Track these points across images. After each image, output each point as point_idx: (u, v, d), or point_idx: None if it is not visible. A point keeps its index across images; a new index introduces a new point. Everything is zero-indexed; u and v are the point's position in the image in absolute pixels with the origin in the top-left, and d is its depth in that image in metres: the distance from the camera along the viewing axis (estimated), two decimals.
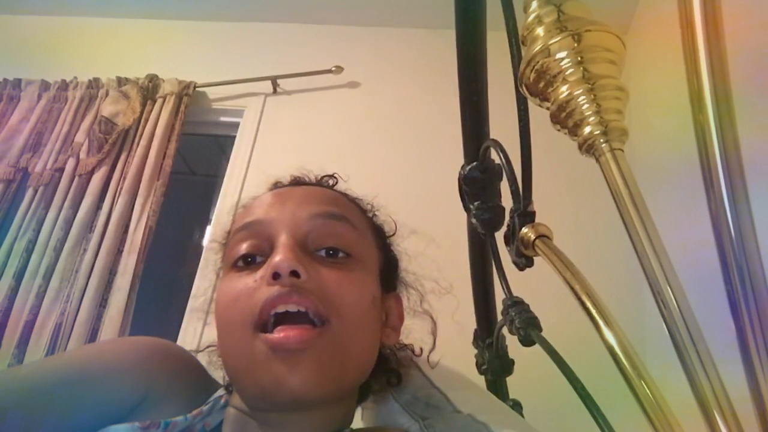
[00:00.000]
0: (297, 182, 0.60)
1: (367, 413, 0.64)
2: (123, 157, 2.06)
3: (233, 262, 0.51)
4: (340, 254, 0.49)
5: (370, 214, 0.61)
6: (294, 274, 0.45)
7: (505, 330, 0.70)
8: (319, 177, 0.63)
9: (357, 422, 0.58)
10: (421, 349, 0.62)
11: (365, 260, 0.52)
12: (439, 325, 0.63)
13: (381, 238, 0.58)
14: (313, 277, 0.46)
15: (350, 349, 0.47)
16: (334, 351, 0.45)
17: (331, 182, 0.63)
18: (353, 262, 0.50)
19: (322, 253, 0.49)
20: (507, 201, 0.60)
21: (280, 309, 0.45)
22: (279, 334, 0.44)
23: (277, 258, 0.46)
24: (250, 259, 0.50)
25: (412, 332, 0.62)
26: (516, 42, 0.50)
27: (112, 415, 0.48)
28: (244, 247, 0.50)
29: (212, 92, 2.26)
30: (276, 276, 0.45)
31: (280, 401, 0.45)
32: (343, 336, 0.46)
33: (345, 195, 0.59)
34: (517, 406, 0.82)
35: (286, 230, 0.49)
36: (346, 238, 0.50)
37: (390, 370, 0.58)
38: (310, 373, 0.43)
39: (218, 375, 0.59)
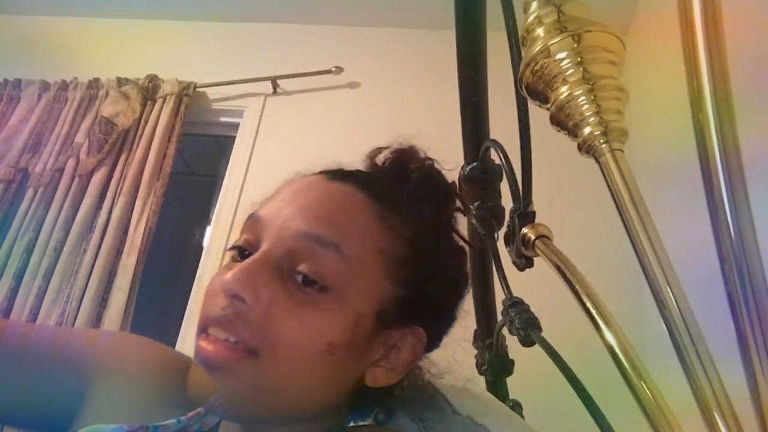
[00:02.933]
0: (329, 172, 0.51)
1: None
2: (123, 157, 2.06)
3: (230, 248, 0.49)
4: (316, 285, 0.43)
5: (416, 234, 0.49)
6: (239, 297, 0.42)
7: (505, 330, 0.70)
8: (382, 158, 0.55)
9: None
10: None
11: (347, 297, 0.44)
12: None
13: (407, 269, 0.48)
14: (263, 304, 0.42)
15: (280, 386, 0.43)
16: (256, 383, 0.43)
17: (379, 159, 0.55)
18: (326, 299, 0.43)
19: (299, 278, 0.43)
20: (507, 201, 0.60)
21: (211, 332, 0.43)
22: (202, 343, 0.42)
23: (230, 275, 0.42)
24: (243, 251, 0.47)
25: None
26: (516, 42, 0.50)
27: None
28: (240, 240, 0.48)
29: (212, 92, 2.26)
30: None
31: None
32: (272, 373, 0.42)
33: (381, 202, 0.48)
34: (517, 407, 0.82)
35: (268, 241, 0.44)
36: (328, 269, 0.43)
37: (379, 405, 0.54)
38: (231, 394, 0.43)
39: None
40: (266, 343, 0.42)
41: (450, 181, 0.58)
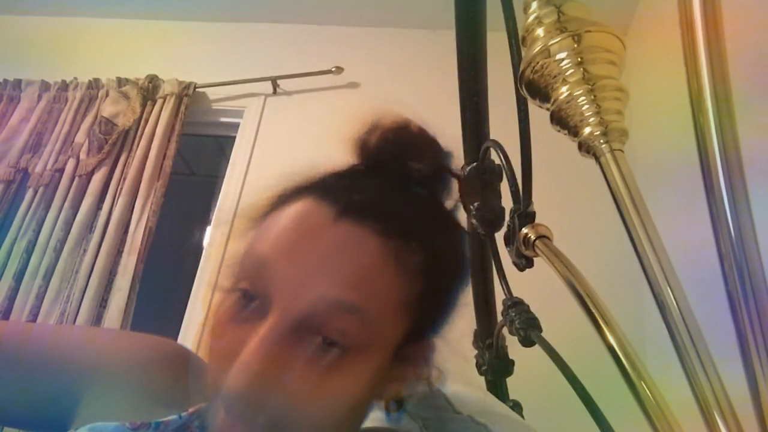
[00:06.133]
0: (331, 201, 0.44)
1: None
2: (123, 157, 2.06)
3: (231, 287, 0.45)
4: (336, 347, 0.41)
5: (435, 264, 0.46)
6: (262, 376, 0.40)
7: (505, 330, 0.70)
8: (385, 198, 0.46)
9: None
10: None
11: (368, 353, 0.43)
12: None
13: (424, 300, 0.46)
14: (286, 381, 0.40)
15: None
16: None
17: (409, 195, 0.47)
18: (347, 359, 0.42)
19: (319, 339, 0.41)
20: (507, 201, 0.60)
21: (236, 409, 0.41)
22: (228, 422, 0.41)
23: (249, 352, 0.39)
24: (249, 296, 0.43)
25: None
26: (516, 42, 0.50)
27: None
28: (243, 283, 0.44)
29: (212, 93, 2.26)
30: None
31: None
32: (299, 430, 0.42)
33: (394, 238, 0.43)
34: (517, 407, 0.82)
35: (282, 303, 0.41)
36: (350, 333, 0.41)
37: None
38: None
39: None
40: (293, 413, 0.41)
41: (444, 154, 0.53)
